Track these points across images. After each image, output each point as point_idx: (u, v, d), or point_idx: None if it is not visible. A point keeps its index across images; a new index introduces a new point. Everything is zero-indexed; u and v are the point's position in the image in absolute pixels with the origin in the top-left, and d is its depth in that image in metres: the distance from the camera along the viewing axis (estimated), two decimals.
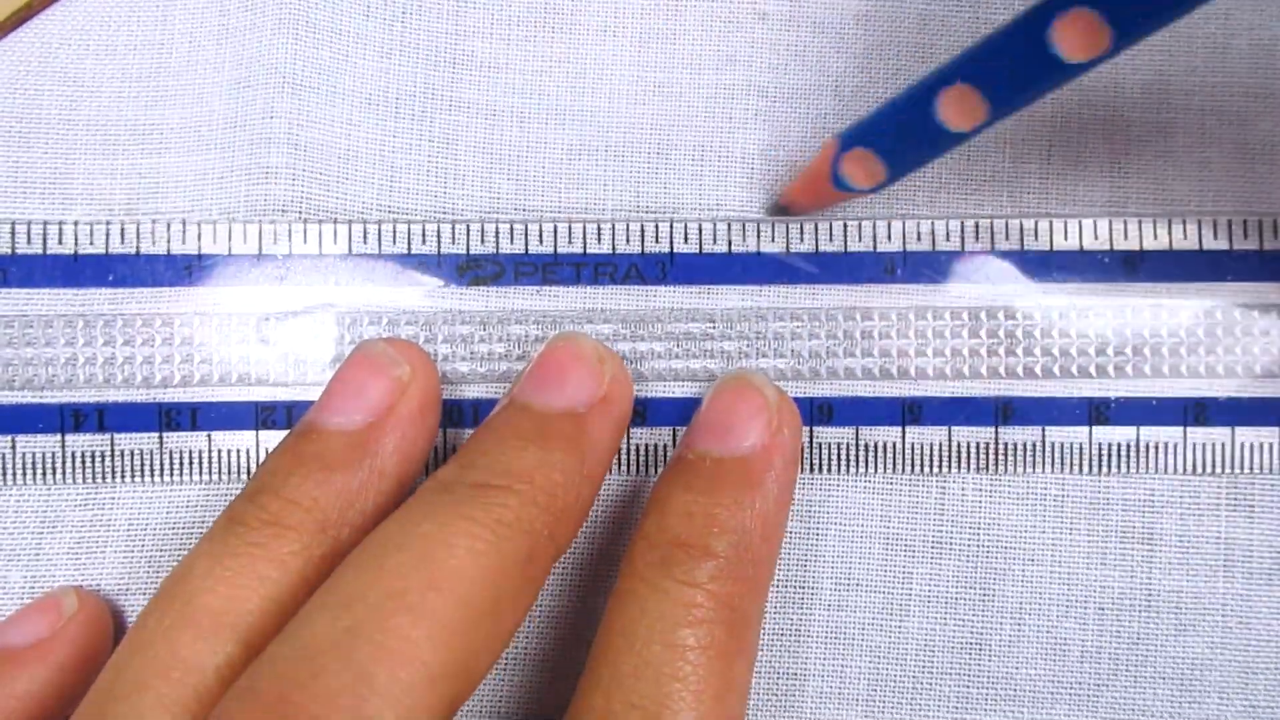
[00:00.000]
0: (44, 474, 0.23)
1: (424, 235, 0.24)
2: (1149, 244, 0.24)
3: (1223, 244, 0.24)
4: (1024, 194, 0.24)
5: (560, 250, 0.24)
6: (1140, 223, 0.24)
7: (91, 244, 0.23)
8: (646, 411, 0.24)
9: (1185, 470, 0.23)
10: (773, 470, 0.21)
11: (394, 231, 0.23)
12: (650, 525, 0.21)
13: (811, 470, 0.24)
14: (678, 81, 0.24)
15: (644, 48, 0.24)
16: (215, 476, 0.23)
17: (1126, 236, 0.24)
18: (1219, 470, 0.23)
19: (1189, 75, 0.24)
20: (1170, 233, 0.24)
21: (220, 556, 0.19)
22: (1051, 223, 0.24)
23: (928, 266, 0.24)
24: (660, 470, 0.23)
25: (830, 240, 0.24)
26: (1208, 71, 0.24)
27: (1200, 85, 0.24)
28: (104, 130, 0.24)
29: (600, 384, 0.22)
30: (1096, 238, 0.24)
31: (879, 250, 0.24)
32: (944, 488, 0.24)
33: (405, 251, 0.24)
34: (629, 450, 0.24)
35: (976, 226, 0.24)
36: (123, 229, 0.23)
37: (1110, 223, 0.24)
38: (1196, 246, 0.24)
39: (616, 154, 0.24)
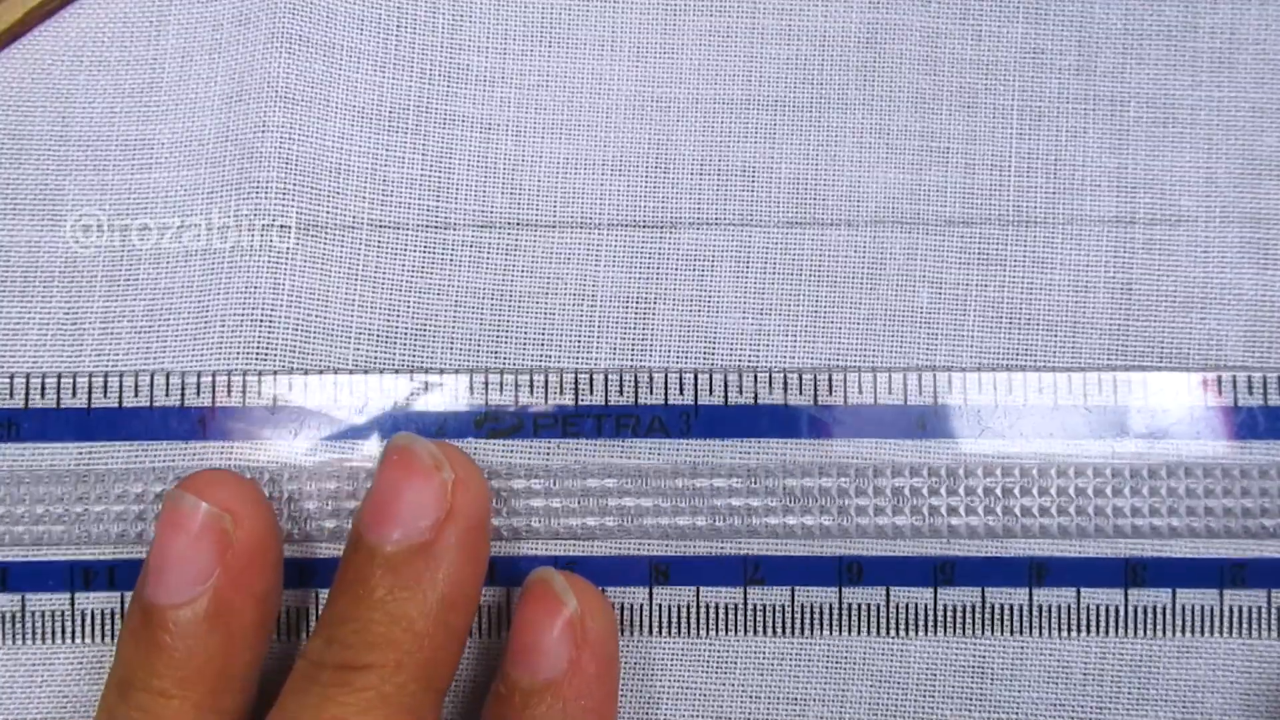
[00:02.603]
0: None
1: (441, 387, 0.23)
2: (1174, 405, 0.23)
3: (1258, 400, 0.23)
4: (1028, 206, 0.24)
5: (581, 402, 0.23)
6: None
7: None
8: (670, 570, 0.23)
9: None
10: (584, 688, 0.20)
11: (413, 383, 0.23)
12: None
13: (841, 632, 0.23)
14: (676, 95, 0.24)
15: (642, 61, 0.24)
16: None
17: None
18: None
19: (1194, 90, 0.24)
20: (1205, 392, 0.23)
21: None
22: (1101, 377, 0.23)
23: (959, 420, 0.23)
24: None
25: (860, 393, 0.23)
26: (1213, 86, 0.24)
27: (1205, 100, 0.24)
28: (95, 146, 0.24)
29: (442, 498, 0.20)
30: (1131, 392, 0.23)
31: (909, 404, 0.23)
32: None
33: (426, 409, 0.23)
34: (655, 610, 0.23)
35: (1010, 382, 0.23)
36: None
37: (1146, 377, 0.23)
38: (1231, 404, 0.23)
39: (613, 167, 0.24)
